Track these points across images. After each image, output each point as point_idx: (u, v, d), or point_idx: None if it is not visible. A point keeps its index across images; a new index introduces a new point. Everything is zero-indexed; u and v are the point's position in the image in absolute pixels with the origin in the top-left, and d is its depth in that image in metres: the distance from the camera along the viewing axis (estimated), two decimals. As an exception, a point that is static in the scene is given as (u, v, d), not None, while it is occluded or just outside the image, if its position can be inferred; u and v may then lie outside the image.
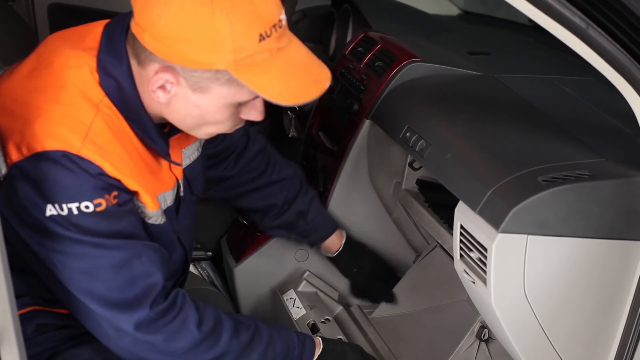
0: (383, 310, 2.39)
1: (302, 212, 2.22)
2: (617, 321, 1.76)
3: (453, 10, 3.10)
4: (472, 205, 1.70)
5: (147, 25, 1.44)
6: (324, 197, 2.44)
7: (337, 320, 2.38)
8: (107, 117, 1.53)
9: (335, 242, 2.32)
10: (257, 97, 1.55)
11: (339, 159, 2.38)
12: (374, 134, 2.29)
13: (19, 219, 1.52)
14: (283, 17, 1.50)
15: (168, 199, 1.71)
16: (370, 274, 2.37)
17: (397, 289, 2.39)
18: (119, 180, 1.53)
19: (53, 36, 1.67)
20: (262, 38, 1.44)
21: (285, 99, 1.51)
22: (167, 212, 1.71)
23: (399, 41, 2.37)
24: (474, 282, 1.75)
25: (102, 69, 1.54)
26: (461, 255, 1.78)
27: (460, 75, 2.27)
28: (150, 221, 1.66)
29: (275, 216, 2.21)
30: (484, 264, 1.68)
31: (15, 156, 1.49)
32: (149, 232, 1.66)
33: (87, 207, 1.49)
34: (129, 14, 1.52)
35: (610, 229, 1.68)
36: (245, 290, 2.55)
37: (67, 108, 1.50)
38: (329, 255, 2.35)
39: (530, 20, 1.58)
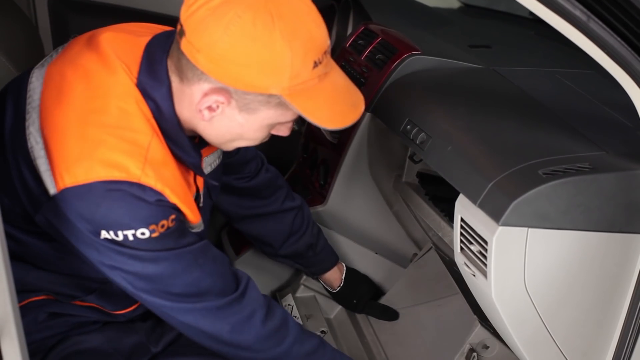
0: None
1: (312, 243, 2.26)
2: (617, 314, 1.76)
3: (454, 3, 3.09)
4: (473, 198, 1.70)
5: (203, 46, 1.43)
6: (324, 190, 2.44)
7: (335, 325, 2.38)
8: (157, 136, 1.54)
9: (336, 276, 2.36)
10: (295, 118, 1.58)
11: (339, 152, 2.38)
12: (374, 127, 2.29)
13: (72, 236, 1.54)
14: (329, 42, 1.53)
15: (200, 200, 1.75)
16: (369, 300, 2.40)
17: (394, 289, 2.40)
18: (175, 204, 1.55)
19: (105, 37, 1.63)
20: (315, 65, 1.47)
21: (330, 123, 1.54)
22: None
23: (400, 34, 2.37)
24: (474, 275, 1.75)
25: (142, 90, 1.54)
26: (461, 248, 1.78)
27: (461, 68, 2.27)
28: (194, 230, 1.69)
29: (287, 246, 2.23)
30: (485, 257, 1.68)
31: (68, 180, 1.48)
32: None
33: (142, 233, 1.51)
34: (173, 32, 1.53)
35: (611, 222, 1.68)
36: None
37: (125, 132, 1.50)
38: (331, 290, 2.38)
39: (531, 13, 1.58)
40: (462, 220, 1.74)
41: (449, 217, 2.08)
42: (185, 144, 1.59)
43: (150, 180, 1.49)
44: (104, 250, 1.53)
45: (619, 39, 1.54)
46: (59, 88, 1.55)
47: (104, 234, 1.50)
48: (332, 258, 2.34)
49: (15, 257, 1.62)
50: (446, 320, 2.17)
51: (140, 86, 1.54)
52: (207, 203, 1.82)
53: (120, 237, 1.50)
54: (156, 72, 1.54)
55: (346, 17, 2.87)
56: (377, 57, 2.32)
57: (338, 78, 1.57)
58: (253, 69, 1.43)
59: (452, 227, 1.83)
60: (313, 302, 2.42)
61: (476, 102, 2.05)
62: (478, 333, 2.03)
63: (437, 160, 1.91)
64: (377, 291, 2.49)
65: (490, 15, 3.06)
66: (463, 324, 2.07)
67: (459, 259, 1.80)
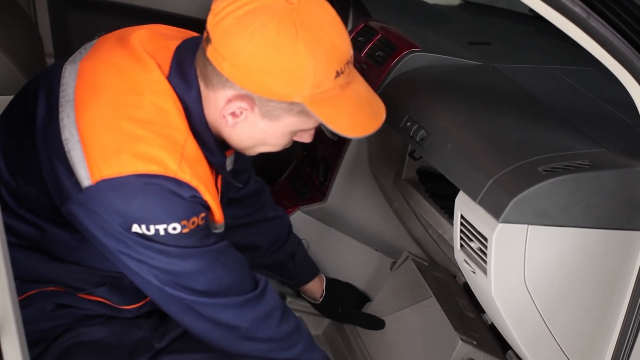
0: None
1: (292, 252, 2.28)
2: (617, 311, 1.76)
3: (454, 0, 3.09)
4: (473, 195, 1.70)
5: (228, 54, 1.47)
6: (324, 187, 2.44)
7: (324, 341, 2.39)
8: (191, 135, 1.56)
9: (317, 287, 2.37)
10: (317, 125, 1.61)
11: (339, 149, 2.39)
12: (374, 124, 2.29)
13: (100, 229, 1.55)
14: (352, 52, 1.56)
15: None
16: (353, 308, 2.42)
17: (379, 296, 2.40)
18: (206, 202, 1.57)
19: (140, 35, 1.66)
20: (337, 74, 1.51)
21: (351, 132, 1.61)
22: None
23: (400, 31, 2.37)
24: (474, 272, 1.75)
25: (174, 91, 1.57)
26: (461, 245, 1.78)
27: (461, 65, 2.27)
28: (217, 231, 1.70)
29: (267, 255, 2.25)
30: (484, 254, 1.68)
31: (106, 172, 1.49)
32: None
33: (174, 228, 1.53)
34: (201, 39, 1.56)
35: (611, 219, 1.68)
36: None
37: (163, 128, 1.52)
38: (314, 302, 2.39)
39: (531, 10, 1.58)
40: (462, 217, 1.75)
41: (449, 214, 2.08)
42: (212, 145, 1.61)
43: (186, 176, 1.51)
44: (133, 244, 1.54)
45: (618, 35, 1.54)
46: (93, 82, 1.58)
47: (135, 227, 1.52)
48: (313, 268, 2.36)
49: (33, 248, 1.68)
50: (431, 328, 2.17)
51: (172, 88, 1.57)
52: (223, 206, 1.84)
53: (152, 232, 1.52)
54: (186, 75, 1.57)
55: (346, 14, 2.86)
56: (376, 54, 2.32)
57: (360, 88, 1.61)
58: (276, 77, 1.47)
59: (452, 224, 1.83)
60: (302, 316, 2.41)
61: (476, 99, 2.05)
62: (460, 350, 2.02)
63: (437, 157, 1.91)
64: (362, 298, 2.50)
65: (490, 12, 3.06)
66: (446, 339, 2.08)
67: (459, 256, 1.80)
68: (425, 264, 2.31)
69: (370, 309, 2.39)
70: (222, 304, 1.67)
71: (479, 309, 2.19)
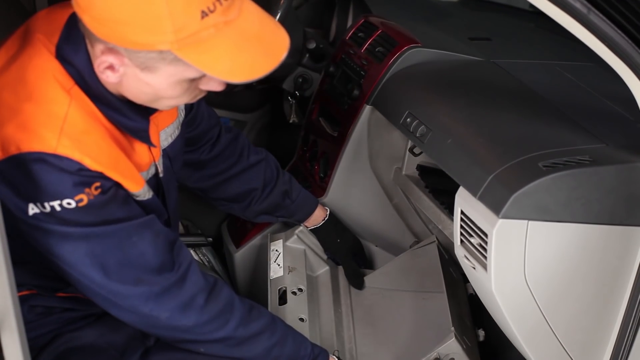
0: (368, 281, 2.35)
1: (286, 191, 2.23)
2: (618, 307, 1.76)
3: (454, -4, 3.09)
4: (473, 191, 1.70)
5: (86, 6, 1.39)
6: (324, 182, 2.44)
7: (315, 284, 2.32)
8: (79, 104, 1.51)
9: (319, 215, 2.33)
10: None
11: (339, 144, 2.38)
12: (374, 119, 2.29)
13: (8, 216, 1.49)
14: None
15: (150, 175, 1.71)
16: (349, 250, 2.37)
17: (384, 268, 2.36)
18: (100, 172, 1.52)
19: (36, 17, 1.62)
20: (204, 14, 1.38)
21: (234, 76, 1.45)
22: (149, 183, 1.70)
23: (400, 26, 2.37)
24: (474, 268, 1.75)
25: (61, 57, 1.52)
26: (461, 241, 1.78)
27: (461, 61, 2.27)
28: (139, 199, 1.65)
29: (262, 200, 2.20)
30: (485, 250, 1.68)
31: None
32: (142, 206, 1.65)
33: (69, 203, 1.48)
34: None
35: (611, 214, 1.68)
36: (245, 275, 2.55)
37: (40, 104, 1.48)
38: (314, 226, 2.34)
39: (531, 6, 1.58)
40: (462, 212, 1.74)
41: (449, 209, 2.08)
42: (121, 107, 1.56)
43: (66, 150, 1.46)
44: (37, 230, 1.50)
45: (619, 31, 1.54)
46: None
47: (31, 208, 1.48)
48: (311, 201, 2.31)
49: None
50: (425, 317, 2.14)
51: (60, 54, 1.52)
52: (169, 174, 1.81)
53: (48, 209, 1.48)
54: (72, 37, 1.51)
55: (346, 9, 2.86)
56: (377, 49, 2.32)
57: (247, 25, 1.45)
58: (132, 26, 1.37)
59: (452, 219, 1.83)
60: (300, 256, 2.34)
61: (476, 95, 2.05)
62: (450, 345, 1.98)
63: (437, 152, 1.91)
64: (362, 252, 2.46)
65: (490, 8, 3.06)
66: (439, 330, 2.03)
67: (459, 252, 1.80)
68: (446, 256, 2.29)
69: (370, 275, 2.36)
70: (139, 295, 1.60)
71: (476, 323, 2.18)
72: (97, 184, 1.51)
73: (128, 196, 1.61)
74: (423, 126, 1.95)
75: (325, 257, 2.39)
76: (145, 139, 1.65)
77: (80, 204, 1.49)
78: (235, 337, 1.73)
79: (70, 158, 1.47)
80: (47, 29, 1.55)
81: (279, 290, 2.22)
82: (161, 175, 1.75)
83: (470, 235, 1.73)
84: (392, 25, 2.39)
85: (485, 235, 1.66)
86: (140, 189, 1.63)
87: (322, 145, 2.50)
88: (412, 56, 2.23)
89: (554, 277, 1.72)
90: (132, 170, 1.61)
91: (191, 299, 1.65)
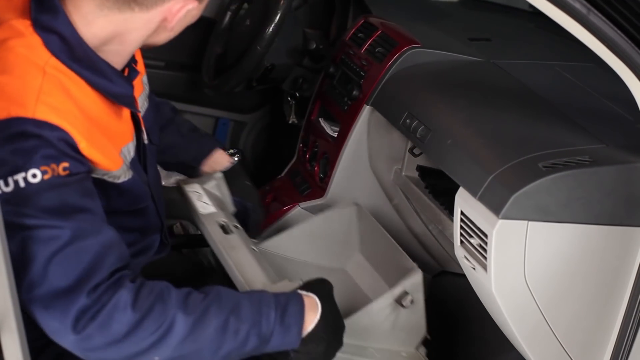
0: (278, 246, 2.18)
1: (179, 129, 2.12)
2: (618, 307, 1.76)
3: (453, -4, 3.09)
4: (473, 192, 1.70)
5: None
6: (324, 183, 2.44)
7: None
8: (55, 79, 1.46)
9: (223, 157, 2.15)
10: None
11: (339, 145, 2.38)
12: (374, 120, 2.29)
13: None
14: None
15: (131, 151, 1.65)
16: (257, 195, 2.17)
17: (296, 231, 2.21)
18: (75, 145, 1.44)
19: None
20: None
21: None
22: (132, 164, 1.64)
23: (400, 27, 2.37)
24: (474, 268, 1.75)
25: (40, 27, 1.47)
26: (461, 242, 1.78)
27: (461, 61, 2.27)
28: (119, 181, 1.58)
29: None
30: (485, 250, 1.68)
31: None
32: (120, 191, 1.59)
33: (34, 175, 1.37)
34: None
35: (611, 215, 1.68)
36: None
37: (12, 79, 1.42)
38: (222, 169, 2.12)
39: (531, 6, 1.59)
40: (462, 213, 1.74)
41: (449, 210, 2.08)
42: (108, 71, 1.53)
43: (45, 114, 1.39)
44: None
45: (619, 31, 1.54)
46: None
47: None
48: (211, 140, 2.19)
49: None
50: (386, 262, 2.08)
51: (38, 24, 1.47)
52: (150, 148, 1.77)
53: (11, 186, 1.36)
54: (46, 4, 1.48)
55: (346, 10, 2.86)
56: (376, 50, 2.32)
57: None
58: None
59: (452, 220, 1.83)
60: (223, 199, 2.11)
61: (476, 95, 2.05)
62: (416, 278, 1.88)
63: (437, 153, 1.91)
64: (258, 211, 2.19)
65: (490, 8, 3.06)
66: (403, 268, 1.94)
67: (459, 252, 1.80)
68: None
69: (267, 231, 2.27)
70: (63, 314, 1.38)
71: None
72: (66, 164, 1.41)
73: (94, 191, 1.50)
74: (423, 127, 1.95)
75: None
76: (131, 104, 1.63)
77: (46, 176, 1.38)
78: (177, 329, 1.45)
79: (50, 122, 1.39)
80: (10, 7, 1.51)
81: (219, 224, 1.93)
82: (146, 142, 1.72)
83: (470, 236, 1.73)
84: (392, 25, 2.39)
85: (485, 235, 1.66)
86: (118, 168, 1.56)
87: (322, 146, 2.50)
88: (412, 57, 2.23)
89: (554, 277, 1.72)
90: (110, 148, 1.55)
91: (116, 302, 1.41)
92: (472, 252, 1.74)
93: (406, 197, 2.40)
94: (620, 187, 1.66)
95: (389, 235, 2.09)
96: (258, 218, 2.13)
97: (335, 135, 2.42)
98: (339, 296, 1.65)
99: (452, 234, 1.85)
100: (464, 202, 1.73)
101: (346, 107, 2.36)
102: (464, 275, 1.92)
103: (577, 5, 1.51)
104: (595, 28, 1.54)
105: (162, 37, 1.59)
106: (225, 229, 1.90)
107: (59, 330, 1.39)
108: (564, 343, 1.80)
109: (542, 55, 2.43)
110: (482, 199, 1.67)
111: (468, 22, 2.78)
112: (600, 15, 1.52)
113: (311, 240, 2.18)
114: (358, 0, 2.76)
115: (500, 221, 1.61)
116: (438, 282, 2.66)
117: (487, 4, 3.09)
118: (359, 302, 1.89)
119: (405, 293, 1.85)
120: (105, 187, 1.55)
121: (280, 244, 2.15)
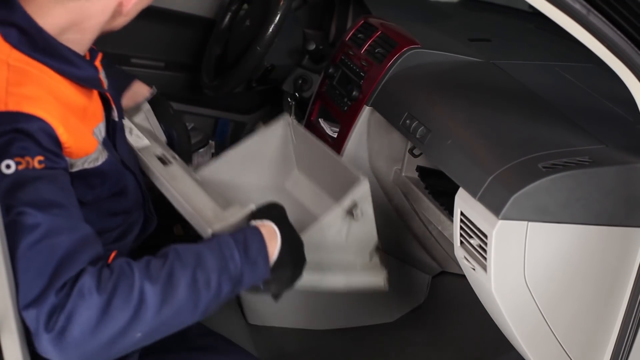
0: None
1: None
2: (617, 308, 1.76)
3: (453, -3, 3.09)
4: (473, 192, 1.70)
5: None
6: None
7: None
8: (21, 70, 1.45)
9: (143, 88, 2.12)
10: None
11: (339, 145, 2.38)
12: (374, 120, 2.29)
13: None
14: None
15: (102, 131, 1.64)
16: (183, 121, 2.14)
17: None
18: (54, 135, 1.43)
19: None
20: None
21: None
22: (104, 144, 1.62)
23: (399, 27, 2.37)
24: (474, 269, 1.75)
25: None
26: (461, 242, 1.78)
27: (461, 62, 2.27)
28: (98, 163, 1.57)
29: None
30: (484, 251, 1.68)
31: None
32: (101, 176, 1.58)
33: (7, 166, 1.34)
34: None
35: (611, 215, 1.68)
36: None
37: None
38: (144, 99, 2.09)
39: (531, 7, 1.58)
40: (461, 214, 1.74)
41: (449, 211, 2.08)
42: (72, 57, 1.53)
43: (17, 105, 1.39)
44: None
45: (618, 32, 1.54)
46: None
47: None
48: (125, 74, 2.15)
49: None
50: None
51: None
52: (120, 124, 1.76)
53: None
54: None
55: (346, 10, 2.86)
56: (376, 50, 2.32)
57: None
58: None
59: (452, 221, 1.83)
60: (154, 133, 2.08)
61: (476, 96, 2.05)
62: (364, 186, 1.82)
63: (437, 153, 1.91)
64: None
65: (490, 9, 3.06)
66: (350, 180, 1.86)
67: (459, 253, 1.80)
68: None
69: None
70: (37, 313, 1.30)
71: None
72: (40, 157, 1.39)
73: (70, 189, 1.46)
74: (423, 127, 1.95)
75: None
76: (99, 86, 1.64)
77: (20, 167, 1.35)
78: (148, 298, 1.40)
79: (24, 113, 1.39)
80: None
81: (156, 156, 1.87)
82: (116, 119, 1.71)
83: (470, 237, 1.73)
84: (391, 26, 2.39)
85: (485, 236, 1.66)
86: (94, 150, 1.55)
87: (322, 147, 2.50)
88: (411, 57, 2.23)
89: (553, 278, 1.72)
90: (84, 131, 1.55)
91: (80, 288, 1.34)
92: (471, 253, 1.74)
93: (406, 198, 2.40)
94: (620, 188, 1.66)
95: (327, 147, 2.01)
96: (186, 145, 2.10)
97: (335, 136, 2.42)
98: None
99: (451, 235, 1.85)
100: (464, 202, 1.73)
101: (346, 108, 2.36)
102: (463, 276, 1.93)
103: (577, 6, 1.51)
104: (595, 28, 1.54)
105: (119, 22, 1.60)
106: (163, 161, 1.84)
107: (37, 333, 1.30)
108: (564, 343, 1.80)
109: (541, 56, 2.43)
110: (482, 200, 1.67)
111: (468, 23, 2.78)
112: (599, 15, 1.52)
113: (248, 161, 2.11)
114: (358, 0, 2.76)
115: (500, 222, 1.61)
116: (438, 282, 2.66)
117: (487, 4, 3.09)
118: (306, 219, 1.83)
119: (355, 204, 1.80)
120: (87, 176, 1.54)
121: (217, 169, 2.08)
